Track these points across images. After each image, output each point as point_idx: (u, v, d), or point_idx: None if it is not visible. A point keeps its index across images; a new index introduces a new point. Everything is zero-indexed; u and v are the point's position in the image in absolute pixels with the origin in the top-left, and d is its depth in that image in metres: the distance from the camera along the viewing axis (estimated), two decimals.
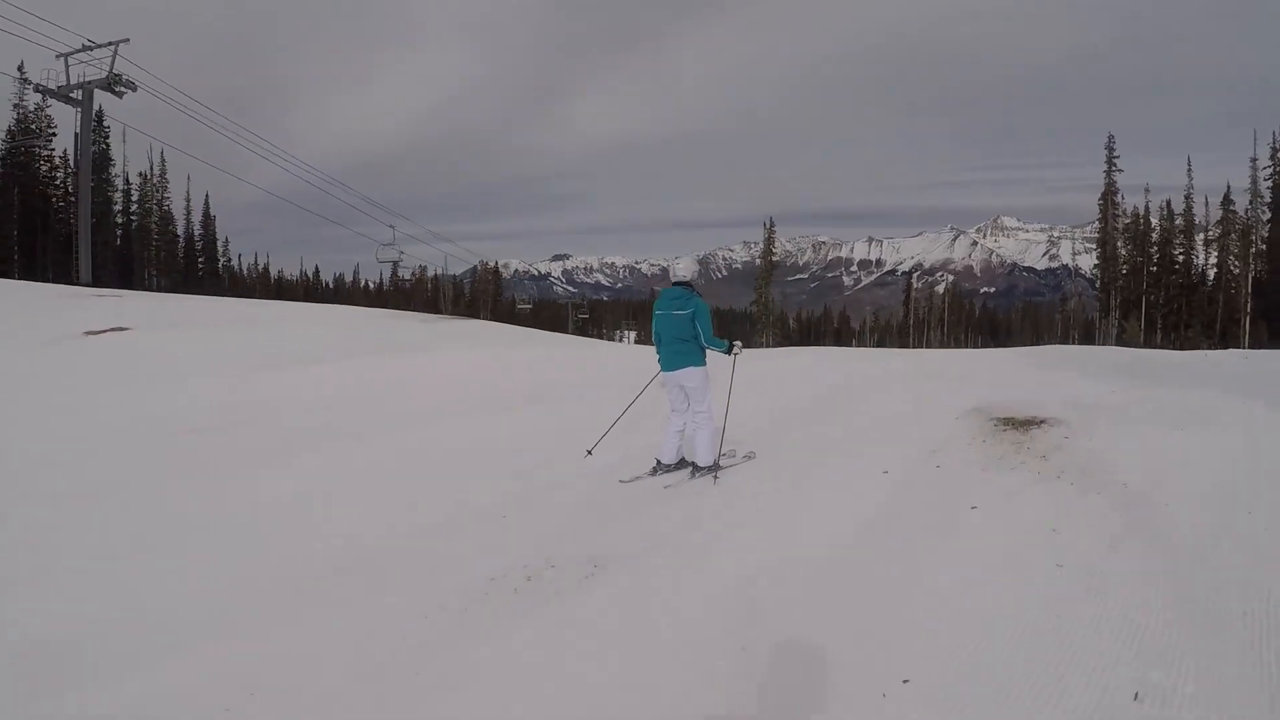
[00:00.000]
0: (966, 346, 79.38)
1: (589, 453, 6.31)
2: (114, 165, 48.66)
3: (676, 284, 5.77)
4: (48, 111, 41.78)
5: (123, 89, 29.12)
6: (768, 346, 64.11)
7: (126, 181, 50.62)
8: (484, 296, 79.12)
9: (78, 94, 28.97)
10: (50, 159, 43.82)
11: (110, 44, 28.36)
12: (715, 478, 5.55)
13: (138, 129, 49.95)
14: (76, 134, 40.95)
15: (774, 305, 71.12)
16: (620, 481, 5.78)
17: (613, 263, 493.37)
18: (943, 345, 77.48)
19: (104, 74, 28.41)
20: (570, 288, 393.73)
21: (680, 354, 5.61)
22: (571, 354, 15.13)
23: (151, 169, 51.59)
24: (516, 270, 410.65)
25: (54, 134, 43.63)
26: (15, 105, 37.68)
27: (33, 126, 40.62)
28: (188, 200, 57.42)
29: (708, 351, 5.74)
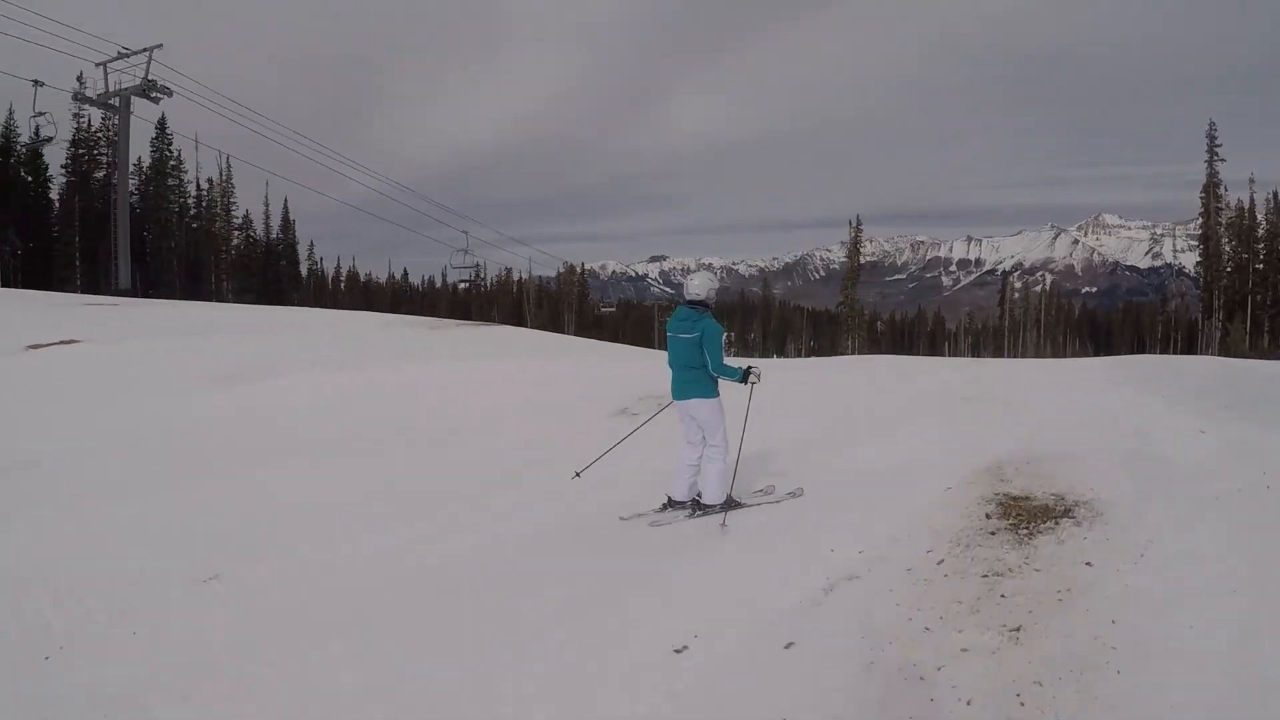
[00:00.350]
0: (1065, 349, 75.26)
1: (577, 474, 5.70)
2: (186, 173, 49.61)
3: (690, 303, 5.17)
4: (113, 120, 42.68)
5: (158, 94, 28.93)
6: (853, 350, 61.85)
7: (199, 188, 51.54)
8: (568, 299, 78.40)
9: (116, 101, 28.97)
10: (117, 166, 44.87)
11: (145, 50, 28.24)
12: (724, 523, 4.83)
13: (207, 143, 51.11)
14: (84, 137, 42.17)
15: (860, 306, 68.57)
16: (620, 518, 5.21)
17: (710, 263, 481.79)
18: (1038, 348, 73.57)
19: (138, 81, 28.27)
20: (667, 289, 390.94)
21: (689, 382, 5.10)
22: (565, 368, 13.15)
23: (221, 175, 52.42)
24: (614, 271, 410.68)
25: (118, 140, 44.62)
26: (75, 115, 38.55)
27: (98, 135, 41.65)
28: (266, 206, 57.52)
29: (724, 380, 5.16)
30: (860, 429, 8.15)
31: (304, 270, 66.68)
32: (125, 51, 28.14)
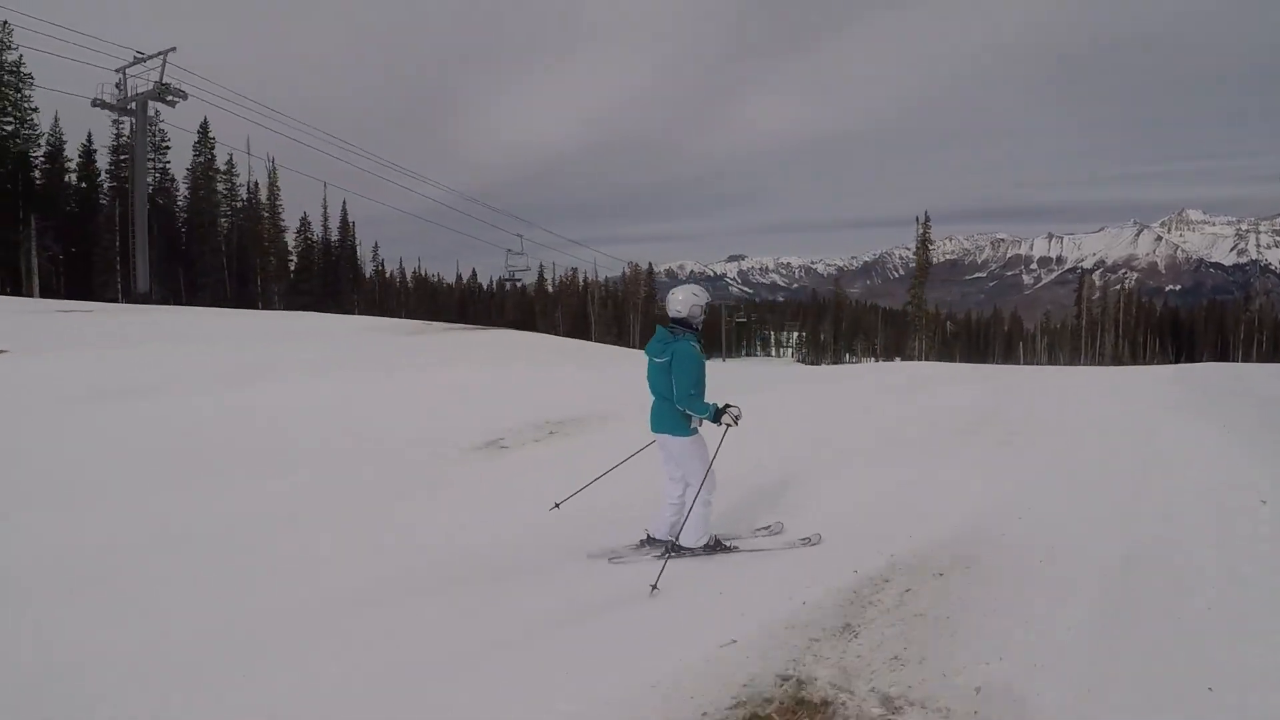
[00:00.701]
0: (1145, 351, 71.78)
1: (556, 506, 4.97)
2: (238, 176, 49.81)
3: (673, 321, 4.51)
4: (160, 125, 43.32)
5: (173, 98, 28.74)
6: (920, 352, 60.54)
7: (249, 192, 51.66)
8: (632, 299, 77.95)
9: (134, 106, 28.87)
10: (165, 170, 45.59)
11: (159, 54, 28.01)
12: (655, 585, 3.86)
13: (258, 150, 51.49)
14: (126, 143, 42.86)
15: (935, 307, 66.07)
16: (588, 556, 4.54)
17: (788, 262, 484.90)
18: (1116, 350, 69.74)
19: (154, 85, 28.05)
20: (746, 289, 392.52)
21: (663, 414, 4.48)
22: (486, 379, 11.32)
23: (269, 178, 52.31)
24: (692, 271, 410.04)
25: (168, 147, 45.31)
26: (114, 122, 38.93)
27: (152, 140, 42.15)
28: (325, 209, 57.05)
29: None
30: (789, 477, 6.27)
31: (368, 272, 66.01)
32: (140, 56, 27.98)
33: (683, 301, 4.47)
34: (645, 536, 4.67)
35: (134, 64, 28.07)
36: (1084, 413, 9.30)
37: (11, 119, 35.35)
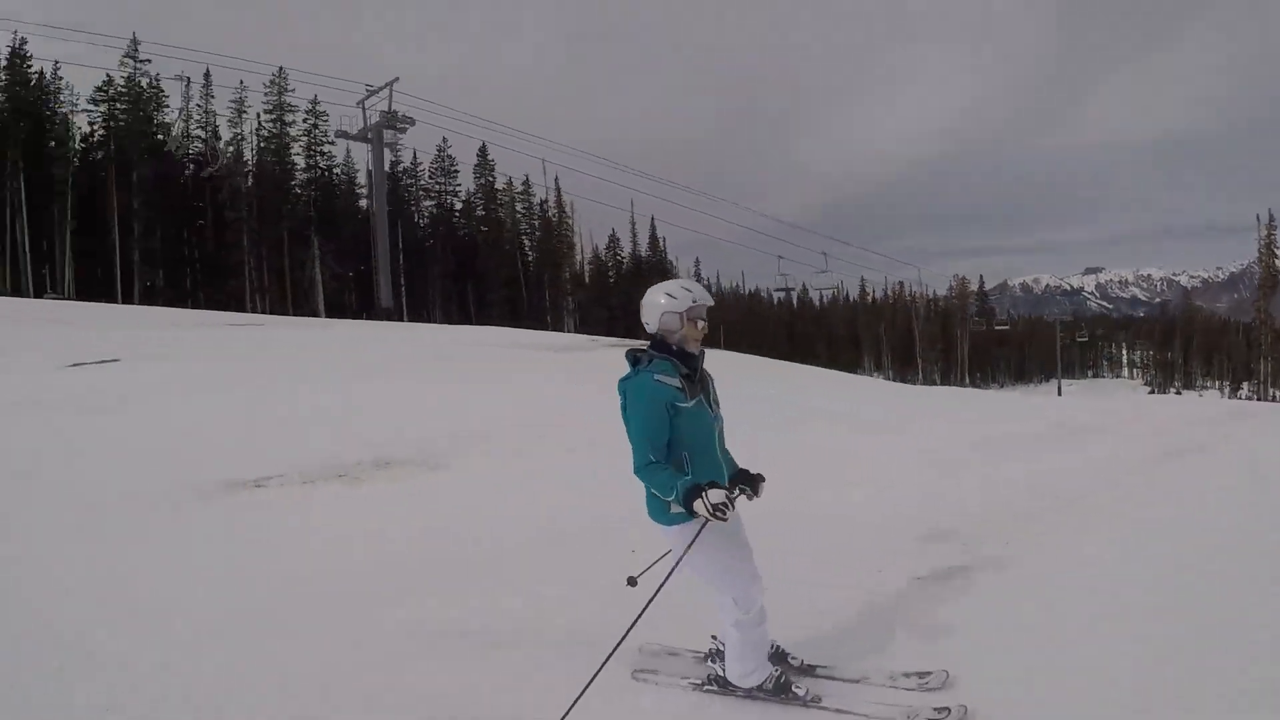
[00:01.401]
0: None
1: (633, 582, 3.19)
2: (534, 195, 52.33)
3: (650, 340, 2.89)
4: (449, 152, 48.28)
5: (402, 125, 31.24)
6: (1265, 378, 53.10)
7: (543, 210, 54.59)
8: (959, 313, 76.09)
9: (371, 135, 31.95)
10: (457, 193, 50.24)
11: (386, 85, 30.64)
12: None
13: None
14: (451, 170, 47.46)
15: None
16: (640, 650, 3.24)
17: (1149, 275, 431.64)
18: None
19: (389, 114, 30.77)
20: (1105, 303, 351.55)
21: (646, 491, 2.82)
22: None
23: (561, 201, 54.30)
24: (1047, 285, 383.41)
25: (456, 171, 49.75)
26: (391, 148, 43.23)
27: (419, 167, 47.29)
28: (633, 224, 59.14)
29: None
30: None
31: None
32: (370, 89, 30.78)
33: (651, 308, 2.80)
34: (713, 646, 3.19)
35: (368, 96, 31.06)
36: (1161, 518, 4.51)
37: (309, 153, 40.19)
